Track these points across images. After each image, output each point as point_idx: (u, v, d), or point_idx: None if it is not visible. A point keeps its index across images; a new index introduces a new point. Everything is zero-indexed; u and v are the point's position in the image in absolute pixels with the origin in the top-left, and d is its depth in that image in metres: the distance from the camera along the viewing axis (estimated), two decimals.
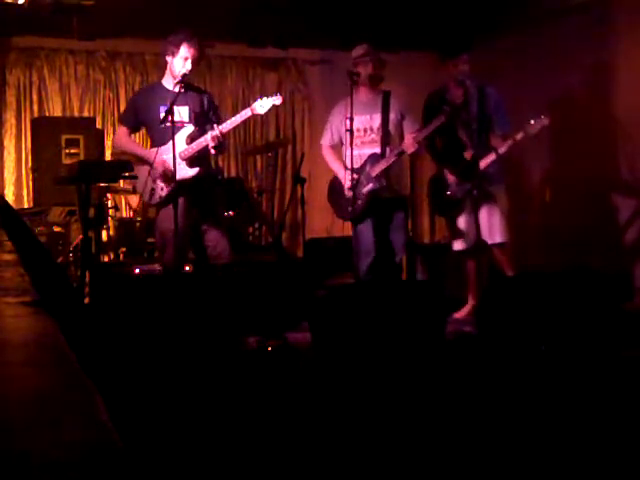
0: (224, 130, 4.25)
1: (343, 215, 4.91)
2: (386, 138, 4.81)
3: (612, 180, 5.90)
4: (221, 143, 4.29)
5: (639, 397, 3.14)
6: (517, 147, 4.91)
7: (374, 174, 4.73)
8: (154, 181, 4.33)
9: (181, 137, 4.29)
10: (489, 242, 4.92)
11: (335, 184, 4.93)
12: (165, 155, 4.25)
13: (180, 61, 4.30)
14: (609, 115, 5.92)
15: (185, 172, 4.28)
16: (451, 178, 4.99)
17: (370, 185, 4.74)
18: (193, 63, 4.33)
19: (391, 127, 4.83)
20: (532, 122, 4.72)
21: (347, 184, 4.74)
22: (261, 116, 4.62)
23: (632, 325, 4.07)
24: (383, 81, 4.94)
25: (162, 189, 4.33)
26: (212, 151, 4.34)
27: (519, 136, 4.75)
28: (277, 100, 4.33)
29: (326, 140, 5.02)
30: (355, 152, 4.64)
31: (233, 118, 4.31)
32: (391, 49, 7.04)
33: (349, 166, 4.67)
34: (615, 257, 5.74)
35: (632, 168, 5.75)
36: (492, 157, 4.80)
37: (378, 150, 4.79)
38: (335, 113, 5.00)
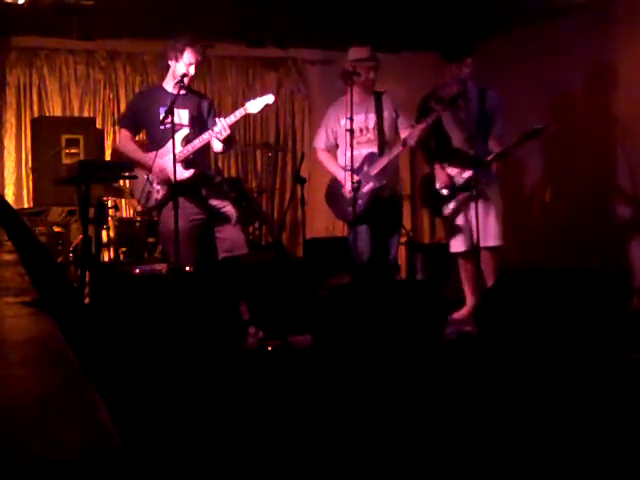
0: (229, 123, 4.25)
1: (345, 216, 4.86)
2: (382, 137, 4.80)
3: (612, 180, 5.90)
4: (230, 137, 4.30)
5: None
6: (514, 151, 4.95)
7: (373, 173, 4.72)
8: (151, 184, 4.35)
9: (177, 139, 4.29)
10: (482, 244, 4.82)
11: (334, 186, 4.89)
12: (163, 158, 4.27)
13: (184, 66, 4.32)
14: (609, 115, 5.91)
15: (180, 174, 4.28)
16: (442, 177, 4.99)
17: (370, 184, 4.72)
18: (196, 67, 4.36)
19: (386, 126, 4.82)
20: (535, 126, 4.75)
21: (348, 185, 4.71)
22: (261, 116, 4.62)
23: (632, 326, 4.07)
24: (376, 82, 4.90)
25: (158, 192, 4.37)
26: (222, 146, 4.35)
27: (515, 141, 4.79)
28: (269, 99, 4.32)
29: (321, 143, 4.97)
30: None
31: (229, 117, 4.31)
32: (391, 49, 7.05)
33: (347, 167, 4.64)
34: (615, 257, 5.74)
35: (632, 168, 5.74)
36: (489, 157, 4.84)
37: (375, 150, 4.78)
38: (330, 115, 4.95)
